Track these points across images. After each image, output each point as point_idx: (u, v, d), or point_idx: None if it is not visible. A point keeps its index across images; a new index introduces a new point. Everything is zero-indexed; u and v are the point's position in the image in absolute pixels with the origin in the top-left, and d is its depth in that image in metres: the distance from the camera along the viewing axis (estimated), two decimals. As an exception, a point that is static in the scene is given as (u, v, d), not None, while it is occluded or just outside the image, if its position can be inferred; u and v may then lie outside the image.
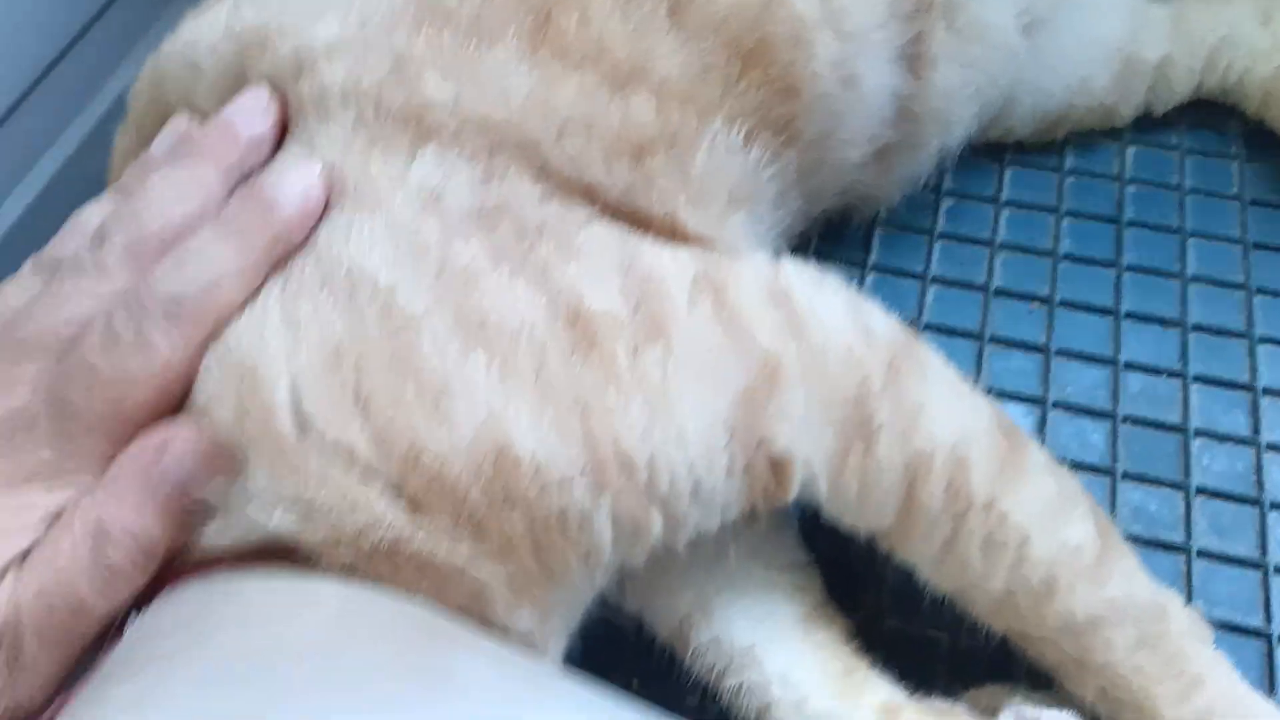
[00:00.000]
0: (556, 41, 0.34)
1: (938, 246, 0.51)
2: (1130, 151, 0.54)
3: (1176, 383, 0.46)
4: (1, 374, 0.31)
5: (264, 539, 0.29)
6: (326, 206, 0.32)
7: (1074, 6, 0.49)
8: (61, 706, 0.26)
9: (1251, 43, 0.53)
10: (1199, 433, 0.44)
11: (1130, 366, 0.46)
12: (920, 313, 0.49)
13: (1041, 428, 0.45)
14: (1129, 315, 0.48)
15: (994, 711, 0.35)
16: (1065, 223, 0.52)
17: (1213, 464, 0.43)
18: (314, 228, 0.32)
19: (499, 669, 0.27)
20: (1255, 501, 0.42)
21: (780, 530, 0.39)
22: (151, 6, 0.59)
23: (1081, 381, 0.46)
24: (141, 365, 0.30)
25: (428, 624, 0.28)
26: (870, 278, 0.50)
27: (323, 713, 0.23)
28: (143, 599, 0.29)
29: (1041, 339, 0.48)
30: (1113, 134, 0.54)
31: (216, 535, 0.29)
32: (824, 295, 0.35)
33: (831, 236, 0.49)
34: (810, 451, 0.32)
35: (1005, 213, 0.52)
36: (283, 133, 0.35)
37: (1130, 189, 0.53)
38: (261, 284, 0.31)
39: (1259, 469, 0.43)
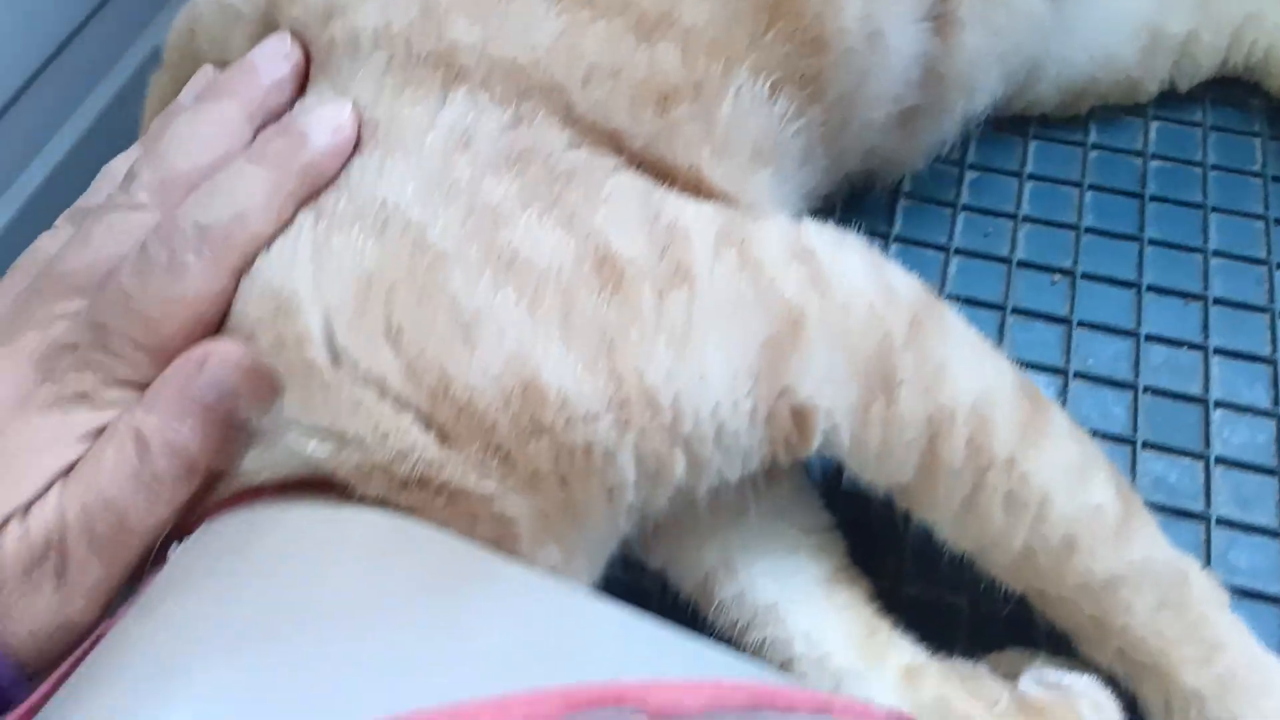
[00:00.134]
0: None
1: (961, 218, 0.51)
2: (1154, 127, 0.54)
3: (1198, 355, 0.46)
4: (41, 312, 0.31)
5: (301, 468, 0.29)
6: (357, 146, 0.32)
7: (1101, -21, 0.49)
8: (108, 630, 0.26)
9: (1277, 20, 0.53)
10: (1220, 404, 0.44)
11: (1152, 339, 0.46)
12: (943, 284, 0.49)
13: (1063, 398, 0.45)
14: (1151, 289, 0.48)
15: (1014, 676, 0.35)
16: (1089, 196, 0.52)
17: (1233, 435, 0.43)
18: (345, 166, 0.32)
19: (537, 592, 0.27)
20: (1275, 472, 0.42)
21: (803, 493, 0.40)
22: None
23: (1104, 353, 0.46)
24: (176, 289, 0.30)
25: (462, 550, 0.28)
26: (894, 248, 0.50)
27: (360, 638, 0.23)
28: (186, 531, 0.30)
29: (1064, 311, 0.47)
30: (1137, 110, 0.54)
31: (255, 462, 0.30)
32: (846, 254, 0.35)
33: (854, 206, 0.49)
34: (832, 403, 0.32)
35: (1029, 186, 0.52)
36: (304, 80, 0.36)
37: (1153, 164, 0.53)
38: (293, 217, 0.31)
39: (1280, 441, 0.43)
